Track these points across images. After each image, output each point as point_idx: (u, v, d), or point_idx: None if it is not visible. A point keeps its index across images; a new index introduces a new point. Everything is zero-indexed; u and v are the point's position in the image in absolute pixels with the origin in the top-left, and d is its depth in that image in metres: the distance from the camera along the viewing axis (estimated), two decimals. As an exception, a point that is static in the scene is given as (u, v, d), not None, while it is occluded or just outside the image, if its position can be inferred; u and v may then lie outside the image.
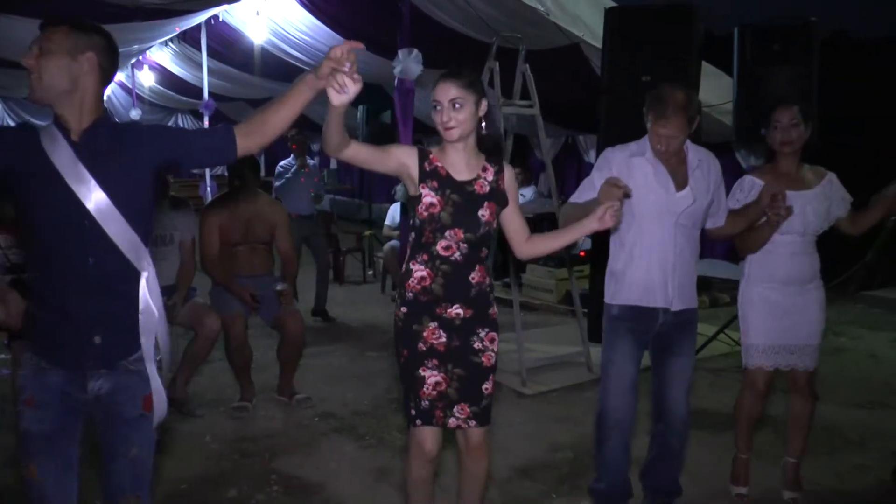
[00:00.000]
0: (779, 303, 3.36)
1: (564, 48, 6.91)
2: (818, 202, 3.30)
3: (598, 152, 5.97)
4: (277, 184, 7.27)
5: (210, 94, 11.43)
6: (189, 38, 11.12)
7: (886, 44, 9.44)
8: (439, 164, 2.73)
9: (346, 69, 2.06)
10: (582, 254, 7.75)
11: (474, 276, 2.75)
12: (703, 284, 8.22)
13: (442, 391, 2.74)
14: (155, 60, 13.50)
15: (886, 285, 7.92)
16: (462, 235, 2.70)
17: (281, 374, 4.82)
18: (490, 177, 2.77)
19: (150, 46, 12.05)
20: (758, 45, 5.09)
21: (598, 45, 6.04)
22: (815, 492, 3.58)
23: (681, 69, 5.36)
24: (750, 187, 3.34)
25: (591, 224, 2.60)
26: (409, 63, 5.63)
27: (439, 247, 2.70)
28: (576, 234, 2.73)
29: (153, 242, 4.46)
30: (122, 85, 17.11)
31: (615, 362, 3.18)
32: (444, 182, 2.71)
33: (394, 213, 8.22)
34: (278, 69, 10.55)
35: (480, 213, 2.72)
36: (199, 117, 16.86)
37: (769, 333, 3.38)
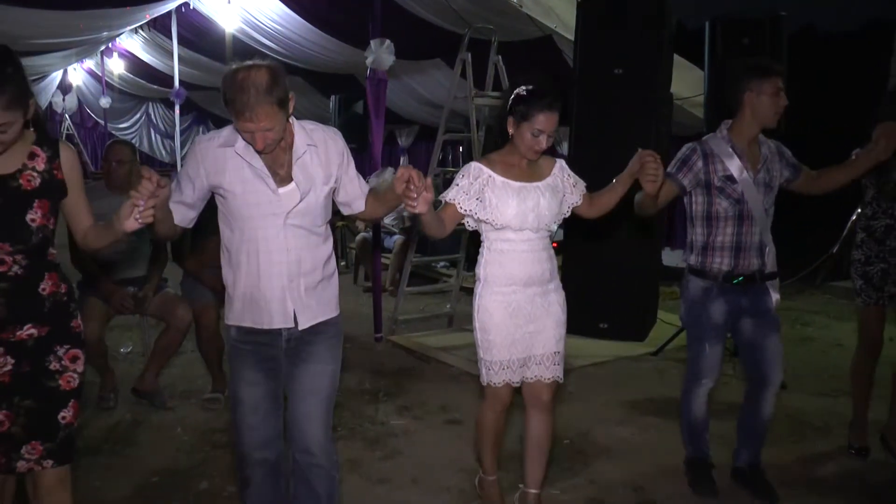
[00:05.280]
0: (522, 307, 2.96)
1: (537, 39, 6.95)
2: (551, 194, 2.96)
3: (571, 144, 6.05)
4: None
5: (181, 82, 11.36)
6: (159, 26, 11.04)
7: (852, 38, 9.59)
8: None
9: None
10: (555, 245, 7.77)
11: (45, 287, 2.30)
12: (675, 275, 8.36)
13: (4, 431, 2.28)
14: (125, 48, 13.38)
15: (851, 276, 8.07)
16: (10, 248, 2.20)
17: (253, 365, 4.79)
18: (41, 165, 2.23)
19: (120, 34, 11.95)
20: (728, 38, 5.14)
21: (571, 36, 6.09)
22: (782, 479, 3.63)
23: (653, 62, 5.41)
24: (476, 175, 2.91)
25: (124, 223, 2.12)
26: (381, 53, 5.62)
27: None
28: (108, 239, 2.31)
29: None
30: (91, 73, 16.93)
31: (239, 391, 2.59)
32: None
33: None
34: (250, 58, 10.47)
35: (29, 216, 2.20)
36: (171, 106, 16.76)
37: (513, 346, 2.96)
